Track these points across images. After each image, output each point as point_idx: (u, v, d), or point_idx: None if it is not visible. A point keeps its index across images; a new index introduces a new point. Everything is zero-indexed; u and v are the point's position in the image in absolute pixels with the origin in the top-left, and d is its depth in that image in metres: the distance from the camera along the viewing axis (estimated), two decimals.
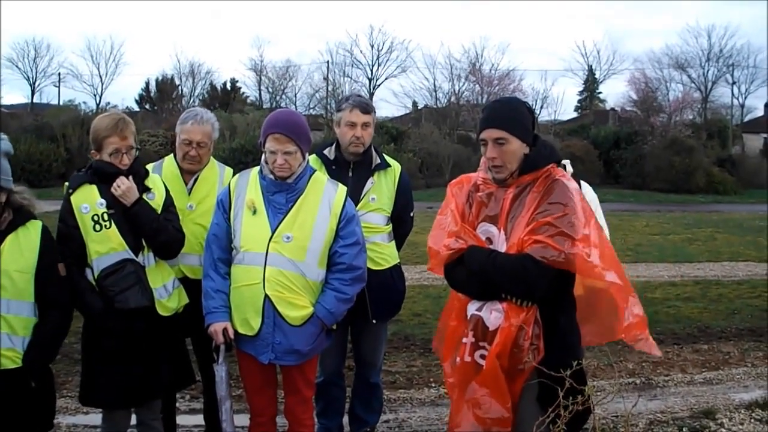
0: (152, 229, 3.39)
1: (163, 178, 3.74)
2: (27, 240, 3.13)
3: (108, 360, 3.33)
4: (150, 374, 3.40)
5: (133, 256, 3.35)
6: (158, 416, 3.66)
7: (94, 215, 3.33)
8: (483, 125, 3.01)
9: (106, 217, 3.33)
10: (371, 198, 3.97)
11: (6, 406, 3.05)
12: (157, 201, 3.49)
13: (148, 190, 3.47)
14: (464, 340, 3.01)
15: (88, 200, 3.34)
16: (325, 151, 4.06)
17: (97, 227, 3.32)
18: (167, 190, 3.58)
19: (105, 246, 3.32)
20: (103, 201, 3.35)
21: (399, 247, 4.24)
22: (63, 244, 3.34)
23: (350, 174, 3.97)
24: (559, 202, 2.85)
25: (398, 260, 4.15)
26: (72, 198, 3.35)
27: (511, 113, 3.00)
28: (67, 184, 3.45)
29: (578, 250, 2.79)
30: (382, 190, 4.03)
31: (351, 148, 4.00)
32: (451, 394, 3.18)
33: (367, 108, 4.03)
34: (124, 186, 3.36)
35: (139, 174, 3.47)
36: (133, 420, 3.63)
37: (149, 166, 3.82)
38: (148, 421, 3.60)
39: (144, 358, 3.36)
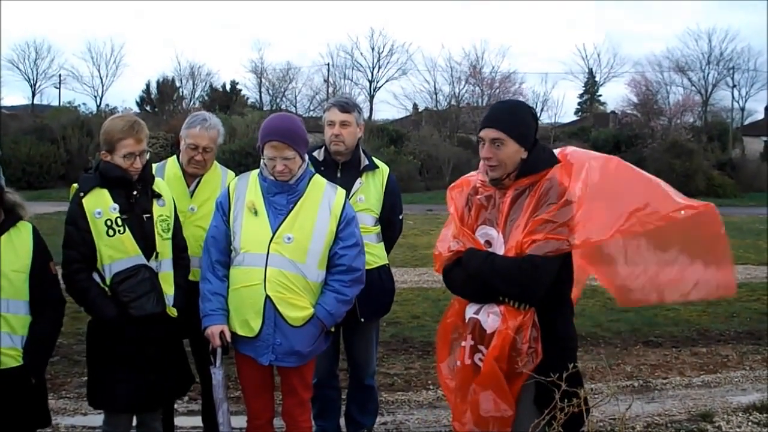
0: None
1: (165, 179, 3.76)
2: (20, 240, 3.15)
3: (121, 364, 3.33)
4: (161, 379, 3.41)
5: (146, 262, 3.36)
6: (158, 417, 3.66)
7: (107, 220, 3.31)
8: (482, 124, 3.02)
9: (119, 222, 3.32)
10: (359, 198, 3.99)
11: (7, 403, 3.08)
12: (167, 207, 3.49)
13: (159, 196, 3.48)
14: (463, 343, 3.01)
15: (100, 205, 3.32)
16: (315, 153, 4.07)
17: (111, 232, 3.30)
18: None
19: (119, 251, 3.31)
20: (116, 206, 3.33)
21: (389, 250, 4.25)
22: (73, 248, 3.33)
23: (338, 175, 3.98)
24: (553, 203, 2.87)
25: (387, 261, 4.17)
26: (84, 201, 3.33)
27: (511, 116, 3.01)
28: (76, 186, 3.43)
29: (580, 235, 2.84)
30: (370, 190, 4.06)
31: (332, 147, 4.03)
32: (449, 397, 3.18)
33: (345, 107, 4.04)
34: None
35: (148, 180, 3.46)
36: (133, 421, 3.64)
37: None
38: (149, 422, 3.60)
39: (156, 363, 3.37)
